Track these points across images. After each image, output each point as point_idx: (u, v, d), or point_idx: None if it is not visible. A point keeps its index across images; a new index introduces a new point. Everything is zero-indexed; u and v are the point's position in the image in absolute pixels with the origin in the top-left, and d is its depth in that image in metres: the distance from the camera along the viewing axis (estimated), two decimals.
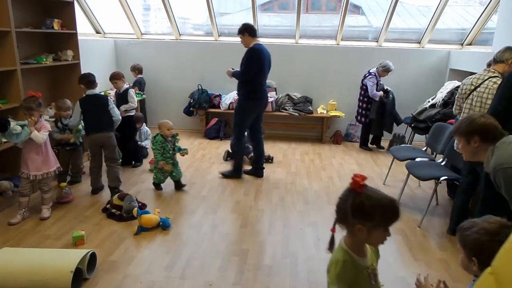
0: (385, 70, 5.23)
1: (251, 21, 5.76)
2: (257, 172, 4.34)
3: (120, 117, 3.83)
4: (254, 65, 3.92)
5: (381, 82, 5.35)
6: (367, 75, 5.30)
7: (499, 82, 2.68)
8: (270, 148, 5.51)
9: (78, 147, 3.97)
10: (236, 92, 4.32)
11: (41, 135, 3.09)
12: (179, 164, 3.90)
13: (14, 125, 2.96)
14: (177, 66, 6.10)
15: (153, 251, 2.78)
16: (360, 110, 5.47)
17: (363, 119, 5.45)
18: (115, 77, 4.46)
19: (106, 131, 3.64)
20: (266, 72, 4.10)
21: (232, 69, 4.18)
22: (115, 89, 4.59)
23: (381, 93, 5.27)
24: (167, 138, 3.75)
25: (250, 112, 4.08)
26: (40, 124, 3.14)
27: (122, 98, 4.42)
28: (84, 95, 3.67)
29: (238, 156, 4.30)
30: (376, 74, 5.27)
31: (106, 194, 3.73)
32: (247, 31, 3.98)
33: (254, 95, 4.05)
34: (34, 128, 3.05)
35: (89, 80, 3.64)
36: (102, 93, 3.76)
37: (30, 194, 3.25)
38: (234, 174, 4.26)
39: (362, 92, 5.39)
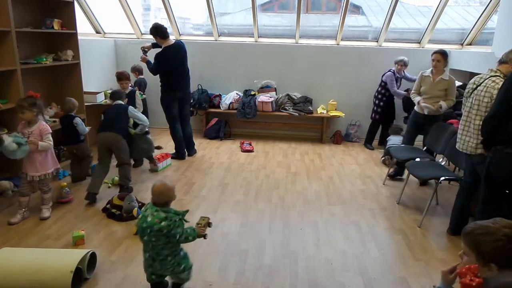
0: (401, 64, 5.22)
1: (251, 21, 5.77)
2: (178, 155, 4.89)
3: (148, 122, 4.00)
4: (158, 67, 4.51)
5: (405, 74, 5.35)
6: (386, 72, 5.32)
7: (498, 81, 2.67)
8: (270, 148, 5.52)
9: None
10: None
11: (47, 143, 3.12)
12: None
13: (10, 142, 2.92)
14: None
15: None
16: (373, 107, 5.51)
17: (373, 115, 5.48)
18: (128, 78, 4.57)
19: (115, 131, 3.65)
20: (177, 68, 4.60)
21: (146, 55, 4.66)
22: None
23: (405, 93, 5.20)
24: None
25: (169, 102, 4.70)
26: (39, 127, 3.13)
27: (129, 99, 4.42)
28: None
29: (176, 141, 4.86)
30: (395, 71, 5.27)
31: (105, 195, 3.73)
32: (158, 34, 4.45)
33: (167, 87, 4.65)
34: (33, 139, 3.04)
35: (112, 96, 4.01)
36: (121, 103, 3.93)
37: (30, 194, 3.25)
38: (177, 156, 4.88)
39: (379, 89, 5.42)
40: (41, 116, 3.22)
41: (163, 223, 1.97)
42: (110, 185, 3.94)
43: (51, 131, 3.21)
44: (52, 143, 3.18)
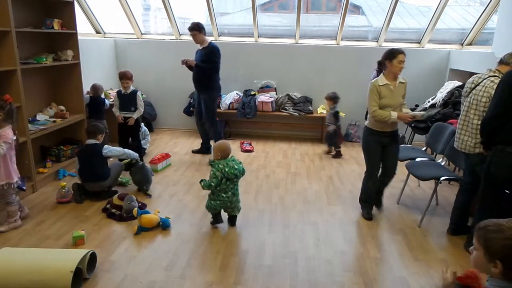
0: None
1: (251, 21, 5.77)
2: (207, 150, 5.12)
3: (124, 151, 3.71)
4: (219, 60, 4.64)
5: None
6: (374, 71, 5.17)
7: (496, 81, 2.67)
8: (270, 148, 5.52)
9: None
10: (198, 85, 4.80)
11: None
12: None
13: None
14: (177, 66, 6.09)
15: (153, 251, 2.78)
16: None
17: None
18: (129, 78, 4.38)
19: (96, 180, 3.54)
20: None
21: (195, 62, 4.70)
22: (122, 89, 4.47)
23: None
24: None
25: (217, 99, 4.99)
26: (0, 133, 2.81)
27: (130, 99, 4.40)
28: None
29: (216, 138, 4.76)
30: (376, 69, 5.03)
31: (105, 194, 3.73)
32: (200, 30, 4.55)
33: (217, 85, 4.82)
34: None
35: (88, 131, 3.68)
36: (96, 141, 3.62)
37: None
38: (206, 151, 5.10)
39: None
40: (8, 123, 2.89)
41: (241, 164, 3.02)
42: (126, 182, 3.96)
43: (10, 141, 2.83)
44: (5, 149, 2.78)
